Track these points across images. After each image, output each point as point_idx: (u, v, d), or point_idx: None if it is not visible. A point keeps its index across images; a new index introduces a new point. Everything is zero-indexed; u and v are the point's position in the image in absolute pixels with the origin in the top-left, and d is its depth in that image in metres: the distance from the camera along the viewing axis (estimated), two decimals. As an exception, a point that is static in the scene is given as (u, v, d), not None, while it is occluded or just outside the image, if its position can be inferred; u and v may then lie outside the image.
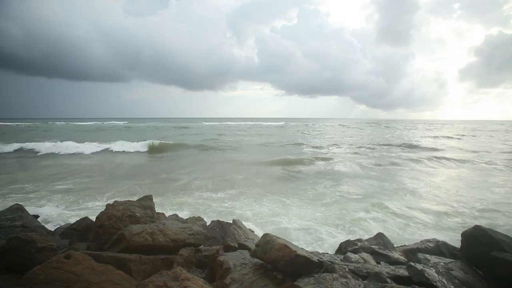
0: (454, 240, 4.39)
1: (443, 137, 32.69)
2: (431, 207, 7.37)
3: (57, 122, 79.33)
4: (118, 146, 19.60)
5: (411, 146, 22.08)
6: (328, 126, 63.00)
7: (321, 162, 14.57)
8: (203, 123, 78.33)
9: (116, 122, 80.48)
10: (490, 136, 35.56)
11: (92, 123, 76.75)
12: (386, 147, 22.10)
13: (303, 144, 23.82)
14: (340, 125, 70.21)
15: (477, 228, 3.05)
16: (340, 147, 21.82)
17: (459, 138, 30.87)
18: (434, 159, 15.57)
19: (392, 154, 17.82)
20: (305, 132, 42.33)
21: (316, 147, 21.59)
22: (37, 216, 5.18)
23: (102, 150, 18.75)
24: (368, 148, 21.46)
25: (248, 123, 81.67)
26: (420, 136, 33.77)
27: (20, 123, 71.35)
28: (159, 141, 21.74)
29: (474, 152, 19.01)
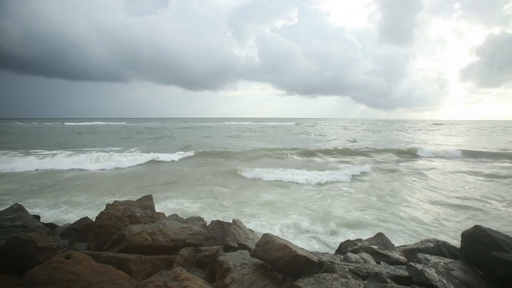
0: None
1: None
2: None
3: (48, 123, 77.78)
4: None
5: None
6: (339, 127, 60.04)
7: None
8: (209, 123, 77.34)
9: (117, 123, 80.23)
10: None
11: (94, 123, 76.62)
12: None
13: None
14: (355, 125, 67.55)
15: (477, 228, 3.04)
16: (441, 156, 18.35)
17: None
18: None
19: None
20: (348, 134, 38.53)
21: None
22: (37, 216, 5.17)
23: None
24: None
25: (255, 123, 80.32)
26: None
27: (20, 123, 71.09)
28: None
29: None
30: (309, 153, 19.24)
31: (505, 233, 3.01)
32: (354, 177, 12.00)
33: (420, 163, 16.32)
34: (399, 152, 19.98)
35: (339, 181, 11.28)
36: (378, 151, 20.23)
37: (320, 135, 37.44)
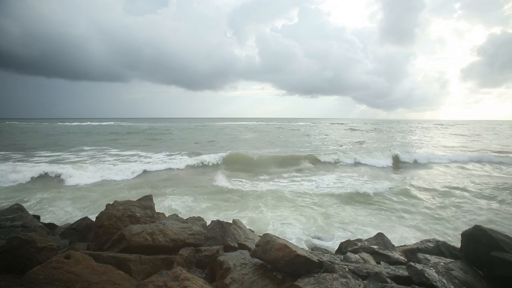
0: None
1: None
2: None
3: (45, 123, 75.90)
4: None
5: None
6: (350, 127, 54.55)
7: None
8: (211, 123, 76.21)
9: (118, 123, 79.94)
10: None
11: (92, 123, 76.19)
12: None
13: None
14: (360, 125, 63.08)
15: (477, 228, 3.04)
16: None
17: None
18: None
19: None
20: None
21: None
22: (37, 216, 5.17)
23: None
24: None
25: (258, 123, 78.63)
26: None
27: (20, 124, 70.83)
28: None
29: None
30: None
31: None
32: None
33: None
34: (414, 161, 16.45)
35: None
36: (406, 164, 16.21)
37: (343, 138, 32.91)
